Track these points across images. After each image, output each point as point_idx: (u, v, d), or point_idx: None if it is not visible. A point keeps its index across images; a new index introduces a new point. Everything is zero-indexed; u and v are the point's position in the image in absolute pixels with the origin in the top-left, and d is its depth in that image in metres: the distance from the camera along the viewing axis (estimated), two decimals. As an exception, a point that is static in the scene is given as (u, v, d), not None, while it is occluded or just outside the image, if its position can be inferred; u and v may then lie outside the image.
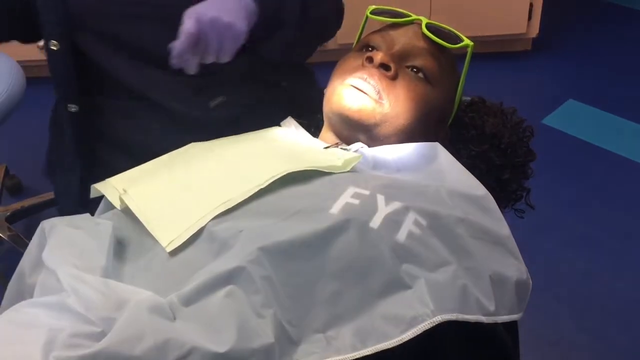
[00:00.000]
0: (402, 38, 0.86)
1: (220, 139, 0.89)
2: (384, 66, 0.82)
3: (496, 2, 2.40)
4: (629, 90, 2.40)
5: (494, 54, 2.60)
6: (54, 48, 0.90)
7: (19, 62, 1.62)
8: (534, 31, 2.50)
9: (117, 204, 0.78)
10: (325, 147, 0.84)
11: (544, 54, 2.63)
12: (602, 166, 2.06)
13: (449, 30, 0.87)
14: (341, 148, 0.84)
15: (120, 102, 0.97)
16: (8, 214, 1.93)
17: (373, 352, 0.58)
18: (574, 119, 2.27)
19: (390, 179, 0.76)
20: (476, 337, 0.65)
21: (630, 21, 2.86)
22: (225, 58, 0.82)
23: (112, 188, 0.80)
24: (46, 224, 0.74)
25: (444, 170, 0.80)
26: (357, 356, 0.58)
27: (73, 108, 0.94)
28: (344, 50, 0.93)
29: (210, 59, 0.82)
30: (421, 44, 0.85)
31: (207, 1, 0.82)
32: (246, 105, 0.98)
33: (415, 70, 0.84)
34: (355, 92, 0.82)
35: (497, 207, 0.76)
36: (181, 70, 0.81)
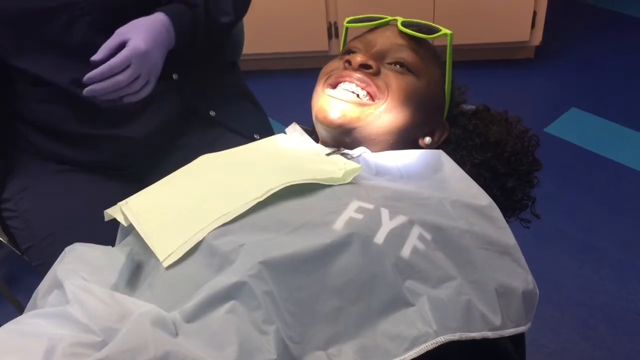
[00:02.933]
0: (379, 39, 0.87)
1: (227, 150, 0.88)
2: (364, 66, 0.82)
3: (500, 10, 2.40)
4: (632, 98, 2.39)
5: (496, 61, 2.60)
6: None
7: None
8: (537, 39, 2.50)
9: (122, 220, 0.77)
10: (328, 154, 0.84)
11: (547, 62, 2.63)
12: (604, 175, 2.05)
13: (425, 24, 0.87)
14: (343, 153, 0.83)
15: (31, 89, 1.02)
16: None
17: None
18: (577, 127, 2.26)
19: (393, 190, 0.75)
20: (480, 351, 0.64)
21: (634, 30, 2.85)
22: (141, 97, 0.93)
23: (118, 206, 0.79)
24: (68, 248, 0.74)
25: (448, 179, 0.79)
26: None
27: None
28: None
29: (128, 98, 0.92)
30: (399, 41, 0.86)
31: (136, 24, 0.90)
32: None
33: (397, 64, 0.84)
34: (334, 102, 0.82)
35: (501, 216, 0.75)
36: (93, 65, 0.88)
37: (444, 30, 0.85)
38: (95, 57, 0.88)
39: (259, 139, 1.08)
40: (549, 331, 1.56)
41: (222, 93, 1.18)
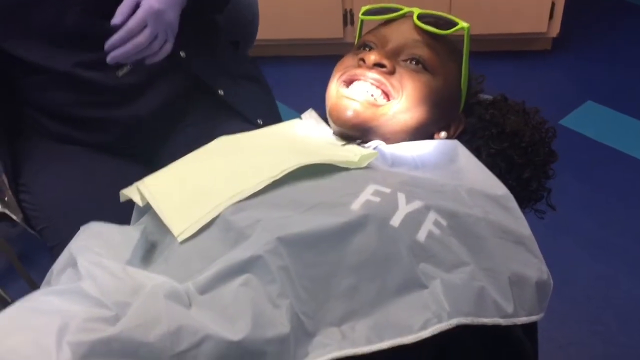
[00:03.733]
0: (394, 34, 0.85)
1: (244, 133, 0.88)
2: (378, 65, 0.81)
3: (518, 0, 2.37)
4: (649, 93, 2.37)
5: (513, 52, 2.58)
6: None
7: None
8: (555, 31, 2.47)
9: (138, 200, 0.78)
10: (344, 144, 0.83)
11: (564, 54, 2.60)
12: (619, 169, 2.03)
13: (443, 16, 0.85)
14: (359, 143, 0.83)
15: (31, 77, 1.03)
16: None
17: (389, 346, 0.57)
18: (592, 120, 2.24)
19: (409, 176, 0.76)
20: (493, 338, 0.64)
21: (653, 23, 2.82)
22: (162, 56, 0.93)
23: (135, 187, 0.80)
24: (83, 227, 0.74)
25: (464, 169, 0.79)
26: (373, 349, 0.57)
27: None
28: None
29: (150, 59, 0.92)
30: (415, 36, 0.84)
31: None
32: (150, 71, 1.05)
33: (412, 61, 0.83)
34: (348, 102, 0.81)
35: (517, 206, 0.75)
36: (92, 48, 0.90)
37: (462, 24, 0.83)
38: (114, 21, 0.87)
39: (262, 125, 1.10)
40: (560, 324, 1.56)
41: (230, 73, 1.17)
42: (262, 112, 1.17)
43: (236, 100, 1.15)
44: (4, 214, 1.89)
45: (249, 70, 1.24)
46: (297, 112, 0.96)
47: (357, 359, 0.58)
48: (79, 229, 0.75)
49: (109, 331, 0.53)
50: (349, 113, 0.81)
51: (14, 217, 1.89)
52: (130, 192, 0.80)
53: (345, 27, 2.49)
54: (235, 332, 0.55)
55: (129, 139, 1.10)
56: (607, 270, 1.70)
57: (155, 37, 0.90)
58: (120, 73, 1.03)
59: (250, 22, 1.35)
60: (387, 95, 0.81)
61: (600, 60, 2.57)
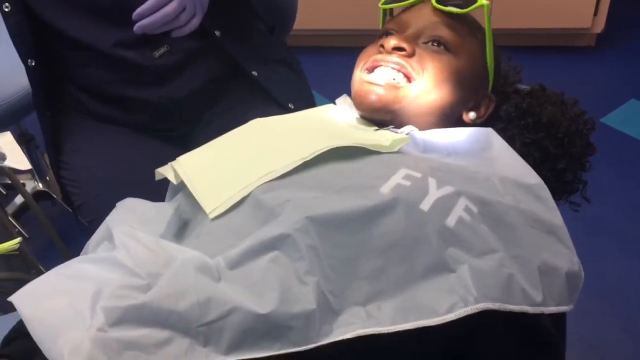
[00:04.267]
0: (414, 19, 0.85)
1: (277, 116, 0.89)
2: (398, 49, 0.81)
3: (562, -6, 2.33)
4: (695, 92, 2.30)
5: (556, 47, 2.53)
6: (7, 10, 0.98)
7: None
8: (599, 27, 2.41)
9: (172, 178, 0.79)
10: (376, 129, 0.84)
11: (608, 51, 2.54)
12: (661, 170, 1.98)
13: None
14: (392, 129, 0.83)
15: (72, 53, 1.06)
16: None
17: (414, 327, 0.58)
18: (635, 119, 2.19)
19: (441, 162, 0.75)
20: (519, 326, 0.64)
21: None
22: (189, 30, 0.94)
23: (170, 166, 0.82)
24: (119, 202, 0.77)
25: (497, 157, 0.78)
26: (397, 329, 0.58)
27: (32, 62, 1.03)
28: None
29: (177, 32, 0.93)
30: (434, 18, 0.84)
31: None
32: (186, 53, 1.07)
33: (433, 43, 0.83)
34: (370, 87, 0.82)
35: (550, 196, 0.74)
36: (128, 24, 0.91)
37: (480, 2, 0.82)
38: None
39: (294, 110, 1.11)
40: (591, 323, 1.53)
41: (264, 56, 1.18)
42: (294, 97, 1.18)
43: (269, 83, 1.15)
44: (46, 192, 1.95)
45: (283, 55, 1.25)
46: (332, 102, 0.97)
47: (382, 341, 0.59)
48: (114, 205, 0.77)
49: (140, 298, 0.55)
50: (372, 97, 0.81)
51: (54, 195, 1.95)
52: (165, 171, 0.82)
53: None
54: (262, 305, 0.56)
55: (165, 120, 1.13)
56: (642, 270, 1.67)
57: (183, 10, 0.91)
58: (157, 54, 1.04)
59: (287, 7, 1.36)
60: (408, 78, 0.81)
61: (645, 57, 2.51)
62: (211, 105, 1.17)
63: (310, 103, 1.24)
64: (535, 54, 2.46)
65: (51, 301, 0.58)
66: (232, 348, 0.55)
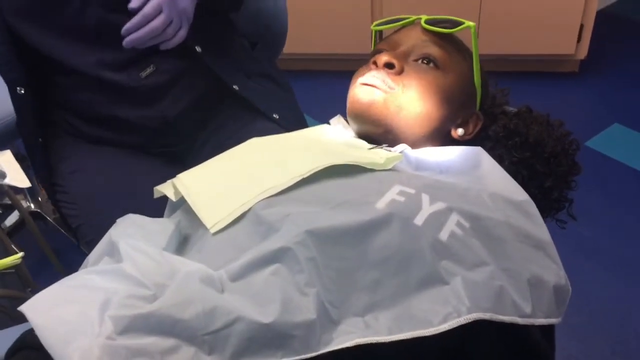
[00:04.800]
0: (404, 38, 0.90)
1: (274, 135, 0.92)
2: (388, 65, 0.85)
3: (546, 21, 2.39)
4: (676, 117, 2.36)
5: (539, 73, 2.59)
6: None
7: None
8: (583, 53, 2.48)
9: (171, 195, 0.82)
10: (370, 148, 0.87)
11: (591, 76, 2.60)
12: (644, 192, 2.03)
13: (449, 19, 0.90)
14: (385, 148, 0.86)
15: (60, 77, 1.08)
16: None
17: (409, 337, 0.60)
18: (619, 143, 2.24)
19: (433, 179, 0.78)
20: (510, 337, 0.66)
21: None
22: (177, 42, 0.96)
23: (169, 183, 0.84)
24: (120, 219, 0.79)
25: (486, 175, 0.81)
26: (393, 339, 0.60)
27: (22, 90, 1.04)
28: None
29: (165, 45, 0.95)
30: (423, 37, 0.89)
31: None
32: (173, 72, 1.09)
33: (423, 60, 0.87)
34: (364, 88, 0.86)
35: (538, 212, 0.76)
36: (114, 45, 0.93)
37: (467, 23, 0.87)
38: (131, 6, 0.92)
39: (279, 120, 1.14)
40: (579, 342, 1.55)
41: (245, 70, 1.20)
42: (277, 108, 1.20)
43: (251, 96, 1.17)
44: (38, 212, 1.96)
45: (268, 71, 1.27)
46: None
47: (379, 351, 0.61)
48: (115, 219, 0.79)
49: (147, 308, 0.57)
50: (366, 97, 0.85)
51: (47, 216, 1.95)
52: (164, 188, 0.84)
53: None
54: (265, 315, 0.58)
55: (158, 139, 1.15)
56: (630, 290, 1.70)
57: (170, 23, 0.94)
58: (144, 74, 1.07)
59: (273, 24, 1.39)
60: (393, 88, 0.85)
61: (628, 83, 2.57)
62: (204, 124, 1.19)
63: (296, 114, 1.27)
64: (519, 79, 2.52)
65: (61, 310, 0.59)
66: (236, 356, 0.57)
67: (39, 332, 0.57)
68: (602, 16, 2.67)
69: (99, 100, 1.09)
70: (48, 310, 0.60)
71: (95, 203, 1.09)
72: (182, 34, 0.97)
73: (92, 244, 1.05)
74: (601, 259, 1.79)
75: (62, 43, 1.02)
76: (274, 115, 1.18)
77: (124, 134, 1.13)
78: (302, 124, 1.23)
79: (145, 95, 1.08)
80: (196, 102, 1.14)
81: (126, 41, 0.93)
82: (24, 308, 0.60)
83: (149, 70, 1.07)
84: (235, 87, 1.16)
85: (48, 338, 0.56)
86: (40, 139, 1.12)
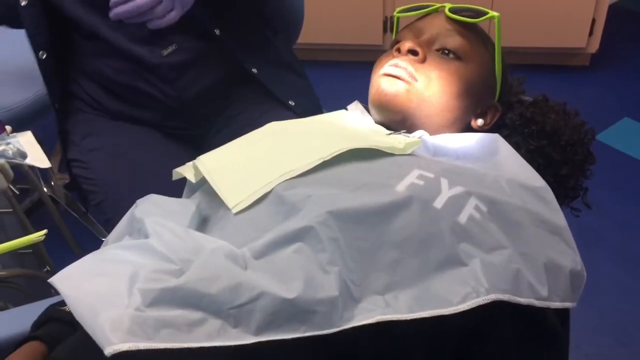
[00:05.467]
0: (428, 26, 0.90)
1: (294, 120, 0.93)
2: (412, 52, 0.86)
3: (558, 15, 2.39)
4: (686, 112, 2.37)
5: (551, 66, 2.59)
6: (24, 3, 1.02)
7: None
8: (594, 47, 2.48)
9: (191, 177, 0.83)
10: (389, 134, 0.87)
11: (602, 70, 2.60)
12: (654, 186, 2.03)
13: (474, 8, 0.90)
14: (404, 134, 0.87)
15: (87, 43, 1.11)
16: (67, 181, 2.01)
17: (429, 315, 0.61)
18: (629, 137, 2.24)
19: (452, 164, 0.79)
20: (527, 319, 0.67)
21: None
22: (166, 23, 0.96)
23: (189, 166, 0.85)
24: (140, 200, 0.79)
25: (504, 162, 0.82)
26: (414, 317, 0.61)
27: (44, 55, 1.07)
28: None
29: (153, 23, 0.95)
30: (447, 26, 0.89)
31: None
32: (193, 53, 1.11)
33: (444, 51, 0.87)
34: (388, 79, 0.86)
35: (554, 198, 0.77)
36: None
37: (491, 13, 0.87)
38: None
39: (294, 107, 1.19)
40: (587, 334, 1.56)
41: (264, 56, 1.21)
42: (294, 95, 1.22)
43: (269, 81, 1.19)
44: (51, 197, 1.97)
45: (288, 59, 1.28)
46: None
47: (399, 330, 0.62)
48: (134, 201, 0.80)
49: (174, 282, 0.58)
50: (390, 89, 0.86)
51: (59, 200, 1.97)
52: (184, 170, 0.85)
53: (385, 34, 2.54)
54: (289, 291, 0.59)
55: (175, 119, 1.17)
56: (637, 283, 1.71)
57: (159, 2, 0.93)
58: (165, 52, 1.09)
59: (295, 13, 1.41)
60: (416, 79, 0.86)
61: (638, 77, 2.57)
62: (223, 109, 1.20)
63: (313, 102, 1.28)
64: (531, 72, 2.48)
65: (90, 282, 0.60)
66: (261, 329, 0.58)
67: (70, 303, 0.59)
68: (614, 10, 2.66)
69: (121, 69, 1.11)
70: (78, 282, 0.61)
71: (117, 180, 1.11)
72: (173, 15, 0.97)
73: (112, 220, 1.07)
74: (609, 252, 1.80)
75: (92, 14, 1.05)
76: (290, 102, 1.20)
77: (143, 109, 1.15)
78: (318, 112, 1.24)
79: (165, 73, 1.10)
80: (214, 86, 1.16)
81: (112, 13, 0.94)
82: (55, 280, 0.62)
83: (170, 48, 1.09)
84: (254, 70, 1.17)
85: (79, 309, 0.57)
86: (57, 105, 1.15)
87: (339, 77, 2.59)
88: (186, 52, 1.10)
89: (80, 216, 1.88)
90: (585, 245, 1.74)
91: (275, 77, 1.21)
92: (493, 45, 0.91)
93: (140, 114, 1.16)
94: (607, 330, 1.58)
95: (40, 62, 1.08)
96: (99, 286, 0.59)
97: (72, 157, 1.17)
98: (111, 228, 0.79)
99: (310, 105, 1.25)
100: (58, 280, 0.62)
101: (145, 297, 0.57)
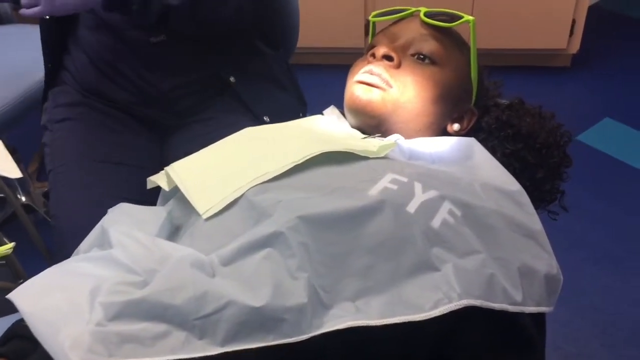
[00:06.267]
0: (403, 31, 0.90)
1: (268, 125, 0.92)
2: (386, 57, 0.85)
3: (538, 16, 2.40)
4: (667, 112, 2.38)
5: (532, 67, 2.60)
6: None
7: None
8: (575, 48, 2.49)
9: (164, 185, 0.81)
10: (364, 137, 0.87)
11: (583, 71, 2.62)
12: (634, 186, 2.04)
13: (449, 12, 0.90)
14: (379, 138, 0.86)
15: (86, 15, 1.16)
16: (45, 189, 1.99)
17: (400, 321, 0.60)
18: (610, 137, 2.26)
19: (426, 168, 0.79)
20: (501, 324, 0.66)
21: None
22: (30, 14, 0.99)
23: (162, 173, 0.84)
24: (111, 209, 0.79)
25: (479, 165, 0.81)
26: (385, 323, 0.60)
27: (47, 16, 1.12)
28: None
29: (23, 11, 0.99)
30: (422, 31, 0.89)
31: None
32: (179, 49, 1.15)
33: (420, 57, 0.87)
34: (362, 86, 0.86)
35: (530, 202, 0.77)
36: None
37: (466, 17, 0.87)
38: None
39: (268, 122, 1.17)
40: (568, 335, 1.57)
41: (248, 66, 1.23)
42: (271, 111, 1.21)
43: (245, 92, 1.21)
44: (29, 205, 1.94)
45: (274, 73, 1.28)
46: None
47: (370, 337, 0.61)
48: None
49: (138, 294, 0.57)
50: (364, 96, 0.85)
51: (37, 208, 1.94)
52: (157, 179, 0.84)
53: (367, 37, 2.53)
54: (256, 299, 0.58)
55: (149, 105, 1.19)
56: (618, 283, 1.71)
57: None
58: (154, 40, 1.12)
59: (290, 27, 1.42)
60: (391, 86, 0.85)
61: (619, 78, 2.59)
62: (194, 110, 1.21)
63: (290, 117, 1.26)
64: (512, 73, 2.52)
65: (50, 297, 0.59)
66: (228, 340, 0.57)
67: (29, 320, 0.57)
68: (594, 11, 2.69)
69: (109, 47, 1.15)
70: (37, 298, 0.59)
71: (69, 154, 1.14)
72: (36, 10, 0.99)
73: (56, 194, 1.11)
74: (589, 252, 1.80)
75: None
76: (265, 118, 1.20)
77: (120, 88, 1.18)
78: None
79: (148, 61, 1.14)
80: (191, 85, 1.18)
81: None
82: (13, 296, 0.60)
83: (160, 37, 1.12)
84: (231, 79, 1.19)
85: (38, 326, 0.56)
86: (50, 65, 1.22)
87: (321, 81, 2.58)
88: (174, 45, 1.13)
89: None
90: (566, 246, 1.77)
91: (254, 90, 1.22)
92: (469, 49, 0.90)
93: (116, 93, 1.19)
94: (588, 331, 1.58)
95: (42, 21, 1.15)
96: (59, 301, 0.58)
97: (42, 124, 1.22)
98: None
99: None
100: (16, 295, 0.60)
101: (108, 311, 0.56)
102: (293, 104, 1.31)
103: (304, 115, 1.30)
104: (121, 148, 1.15)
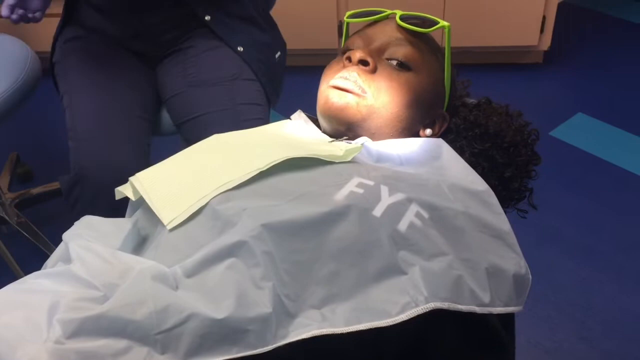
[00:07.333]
0: (378, 34, 0.89)
1: (234, 132, 0.91)
2: (362, 62, 0.85)
3: (509, 13, 2.42)
4: (637, 105, 2.41)
5: (504, 65, 2.62)
6: None
7: (37, 52, 1.65)
8: (546, 44, 2.51)
9: (130, 195, 0.80)
10: (331, 141, 0.86)
11: (555, 67, 2.64)
12: (607, 180, 2.06)
13: (425, 17, 0.89)
14: (346, 141, 0.86)
15: None
16: (17, 200, 1.96)
17: (366, 327, 0.59)
18: (582, 132, 2.28)
19: (393, 171, 0.78)
20: (469, 326, 0.66)
21: (643, 39, 2.87)
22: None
23: (128, 184, 0.82)
24: (77, 221, 0.77)
25: (446, 166, 0.81)
26: (350, 330, 0.59)
27: None
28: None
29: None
30: (398, 35, 0.88)
31: None
32: (174, 31, 1.36)
33: (394, 61, 0.86)
34: (337, 92, 0.85)
35: (497, 202, 0.77)
36: None
37: (442, 23, 0.86)
38: None
39: (243, 52, 1.36)
40: (546, 330, 1.57)
41: (222, 6, 1.36)
42: (245, 42, 1.37)
43: (220, 28, 1.37)
44: (1, 217, 1.91)
45: (249, 13, 1.40)
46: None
47: (337, 344, 0.60)
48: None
49: (97, 309, 0.56)
50: (339, 102, 0.84)
51: (9, 220, 1.91)
52: (124, 189, 0.83)
53: (340, 39, 2.53)
54: (219, 311, 0.57)
55: (136, 39, 1.39)
56: (593, 277, 1.73)
57: None
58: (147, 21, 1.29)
59: None
60: (365, 92, 0.84)
61: (591, 73, 2.62)
62: (176, 43, 1.40)
63: (265, 54, 1.41)
64: (484, 71, 2.54)
65: (7, 315, 0.57)
66: (190, 354, 0.56)
67: None
68: (564, 7, 2.72)
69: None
70: None
71: (73, 82, 1.34)
72: (19, 15, 1.14)
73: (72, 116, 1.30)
74: (565, 247, 1.82)
75: None
76: (239, 48, 1.36)
77: (111, 22, 1.36)
78: (269, 62, 1.41)
79: (133, 1, 1.30)
80: (170, 21, 1.36)
81: None
82: None
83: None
84: (207, 17, 1.35)
85: None
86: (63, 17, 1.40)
87: (293, 82, 2.58)
88: (168, 27, 1.33)
89: (31, 236, 1.82)
90: (542, 241, 1.78)
91: (229, 26, 1.37)
92: (443, 54, 0.90)
93: (108, 25, 1.37)
94: (566, 326, 1.59)
95: None
96: (16, 319, 0.56)
97: (55, 60, 1.42)
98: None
99: (262, 57, 1.39)
100: None
101: (66, 328, 0.54)
102: (268, 42, 1.44)
103: (282, 56, 1.46)
104: (123, 70, 1.36)
